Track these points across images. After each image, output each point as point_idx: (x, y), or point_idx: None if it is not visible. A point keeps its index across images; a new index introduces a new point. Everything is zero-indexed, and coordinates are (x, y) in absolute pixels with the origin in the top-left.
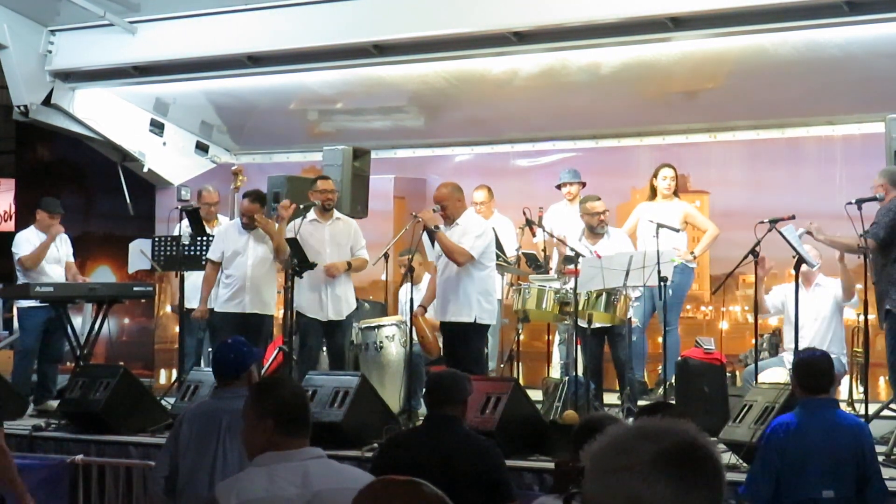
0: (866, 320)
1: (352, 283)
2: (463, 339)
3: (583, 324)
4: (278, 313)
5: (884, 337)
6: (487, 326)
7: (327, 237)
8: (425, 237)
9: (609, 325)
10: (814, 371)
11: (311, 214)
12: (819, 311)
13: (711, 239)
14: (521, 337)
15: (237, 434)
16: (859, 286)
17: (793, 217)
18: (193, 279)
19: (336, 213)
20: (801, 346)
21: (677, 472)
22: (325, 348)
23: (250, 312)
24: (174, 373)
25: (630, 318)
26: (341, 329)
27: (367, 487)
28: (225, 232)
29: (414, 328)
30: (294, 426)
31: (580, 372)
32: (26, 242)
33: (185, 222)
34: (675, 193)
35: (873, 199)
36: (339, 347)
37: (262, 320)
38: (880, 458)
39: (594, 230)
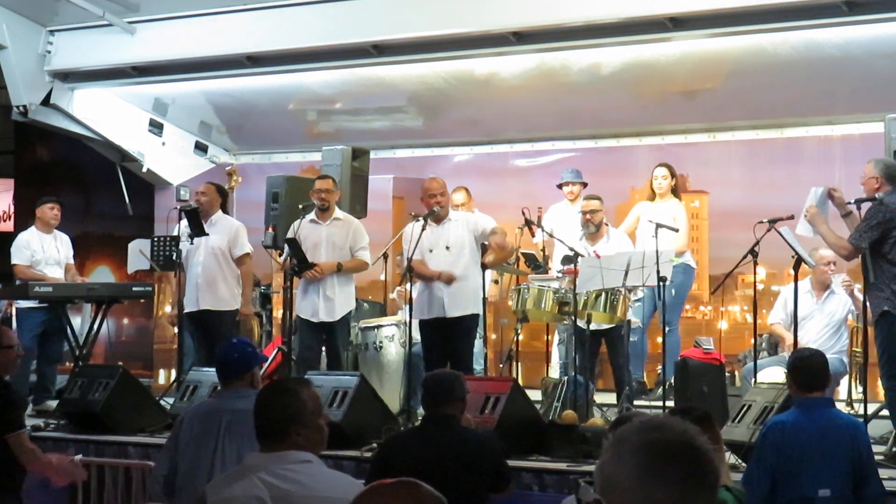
0: (865, 320)
1: (352, 284)
2: (468, 332)
3: (581, 324)
4: (277, 313)
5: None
6: None
7: (323, 237)
8: (423, 238)
9: (607, 325)
10: (808, 367)
11: (312, 214)
12: (832, 317)
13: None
14: (521, 337)
15: (237, 433)
16: (858, 285)
17: (791, 217)
18: None
19: (337, 213)
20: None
21: (645, 462)
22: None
23: (202, 310)
24: (173, 373)
25: (629, 320)
26: (334, 330)
27: (364, 492)
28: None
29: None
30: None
31: (579, 372)
32: (25, 249)
33: (184, 222)
34: (675, 193)
35: (872, 199)
36: (335, 348)
37: (216, 317)
38: (878, 458)
39: (585, 228)
